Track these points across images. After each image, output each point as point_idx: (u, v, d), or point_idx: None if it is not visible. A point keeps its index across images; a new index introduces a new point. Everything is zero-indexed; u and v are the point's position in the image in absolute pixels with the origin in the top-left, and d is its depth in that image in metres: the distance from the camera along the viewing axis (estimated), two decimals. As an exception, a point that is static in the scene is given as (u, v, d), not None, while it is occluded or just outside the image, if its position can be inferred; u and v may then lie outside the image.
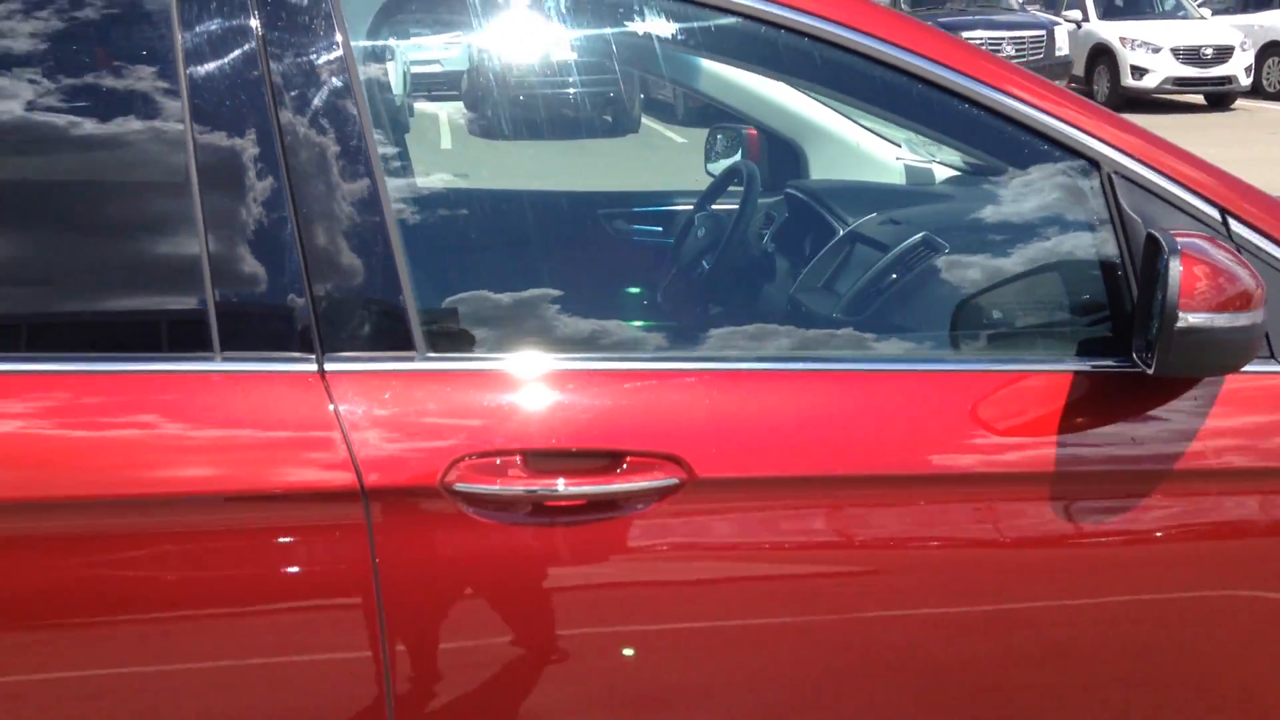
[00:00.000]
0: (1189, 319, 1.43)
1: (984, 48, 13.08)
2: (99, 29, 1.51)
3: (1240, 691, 1.71)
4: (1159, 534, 1.62)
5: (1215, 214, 1.65)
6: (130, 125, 1.51)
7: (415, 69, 6.83)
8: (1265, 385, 1.62)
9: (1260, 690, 1.71)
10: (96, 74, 1.52)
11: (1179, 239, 1.48)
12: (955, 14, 14.27)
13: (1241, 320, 1.44)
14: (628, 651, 1.52)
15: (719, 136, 3.16)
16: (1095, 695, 1.67)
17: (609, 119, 8.05)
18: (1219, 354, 1.47)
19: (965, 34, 13.56)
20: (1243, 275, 1.47)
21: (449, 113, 7.38)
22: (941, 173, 2.83)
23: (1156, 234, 1.51)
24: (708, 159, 3.17)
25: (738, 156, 3.05)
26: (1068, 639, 1.64)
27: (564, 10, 1.79)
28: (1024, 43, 13.70)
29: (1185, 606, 1.66)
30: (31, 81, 1.49)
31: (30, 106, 1.48)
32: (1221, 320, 1.44)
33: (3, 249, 1.52)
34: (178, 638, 1.44)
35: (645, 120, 8.34)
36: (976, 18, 14.02)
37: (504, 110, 6.32)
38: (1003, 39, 13.57)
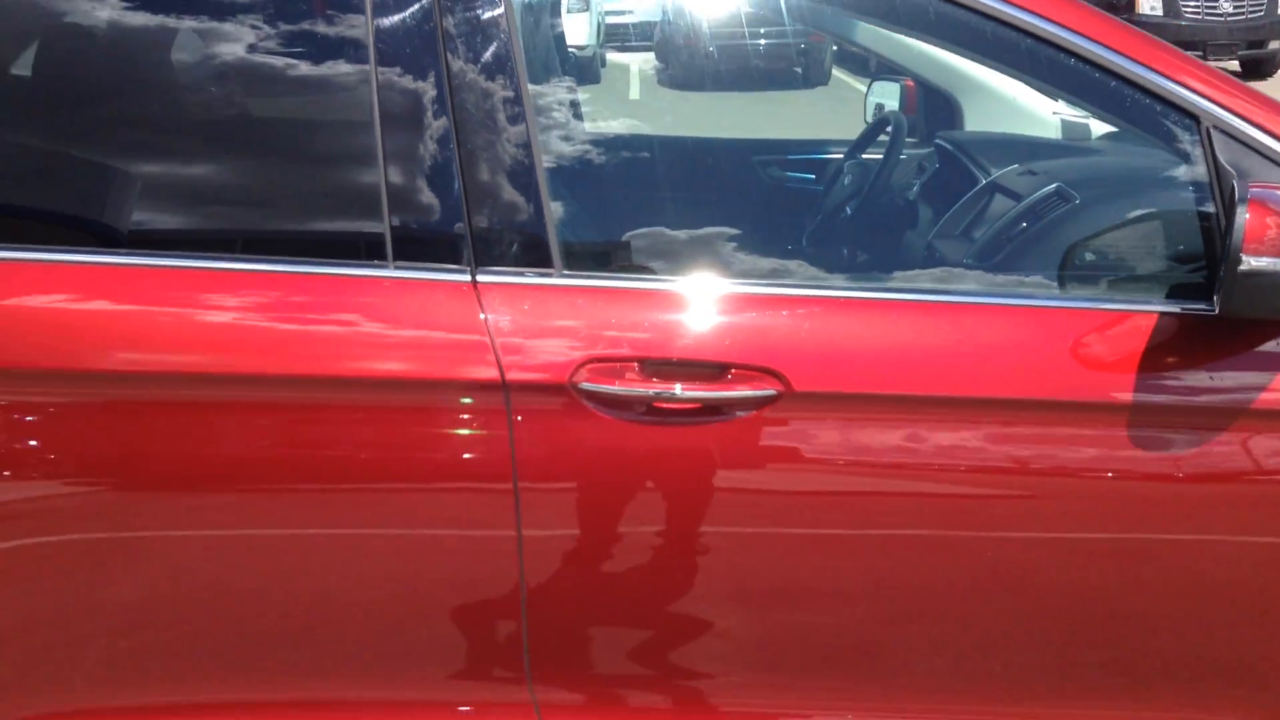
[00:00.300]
0: (1251, 262, 1.53)
1: (1198, 5, 12.46)
2: None
3: None
4: (1226, 471, 1.71)
5: (1315, 170, 1.72)
6: (327, 70, 1.78)
7: (609, 19, 7.07)
8: None
9: None
10: (307, 22, 1.79)
11: (1253, 189, 1.57)
12: (1174, -32, 13.64)
13: None
14: None
15: (878, 87, 3.29)
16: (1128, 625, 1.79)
17: (799, 71, 8.12)
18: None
19: (1181, -12, 12.99)
20: None
21: (640, 64, 7.57)
22: (1099, 127, 2.89)
23: (1235, 184, 1.60)
24: (866, 110, 3.31)
25: (894, 106, 3.17)
26: (1136, 567, 1.76)
27: None
28: (1243, 1, 13.01)
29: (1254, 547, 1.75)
30: (253, 27, 1.78)
31: (251, 50, 1.77)
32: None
33: (225, 170, 1.83)
34: (353, 503, 1.72)
35: (836, 73, 8.37)
36: (1194, -27, 13.39)
37: (692, 62, 6.51)
38: (1219, -5, 12.92)
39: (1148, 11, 13.08)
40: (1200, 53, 13.11)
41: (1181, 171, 1.81)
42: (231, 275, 1.70)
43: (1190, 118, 1.74)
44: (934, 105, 3.09)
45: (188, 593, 1.76)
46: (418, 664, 1.80)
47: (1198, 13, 13.08)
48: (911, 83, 3.18)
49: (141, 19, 1.80)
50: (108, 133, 1.84)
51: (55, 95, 1.86)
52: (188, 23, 1.81)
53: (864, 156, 2.88)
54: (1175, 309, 1.71)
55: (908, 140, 2.98)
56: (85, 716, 1.80)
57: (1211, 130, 1.73)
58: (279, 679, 1.81)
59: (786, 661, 1.82)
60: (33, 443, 1.69)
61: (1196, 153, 1.75)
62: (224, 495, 1.72)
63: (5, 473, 1.68)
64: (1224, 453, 1.71)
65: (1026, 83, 2.06)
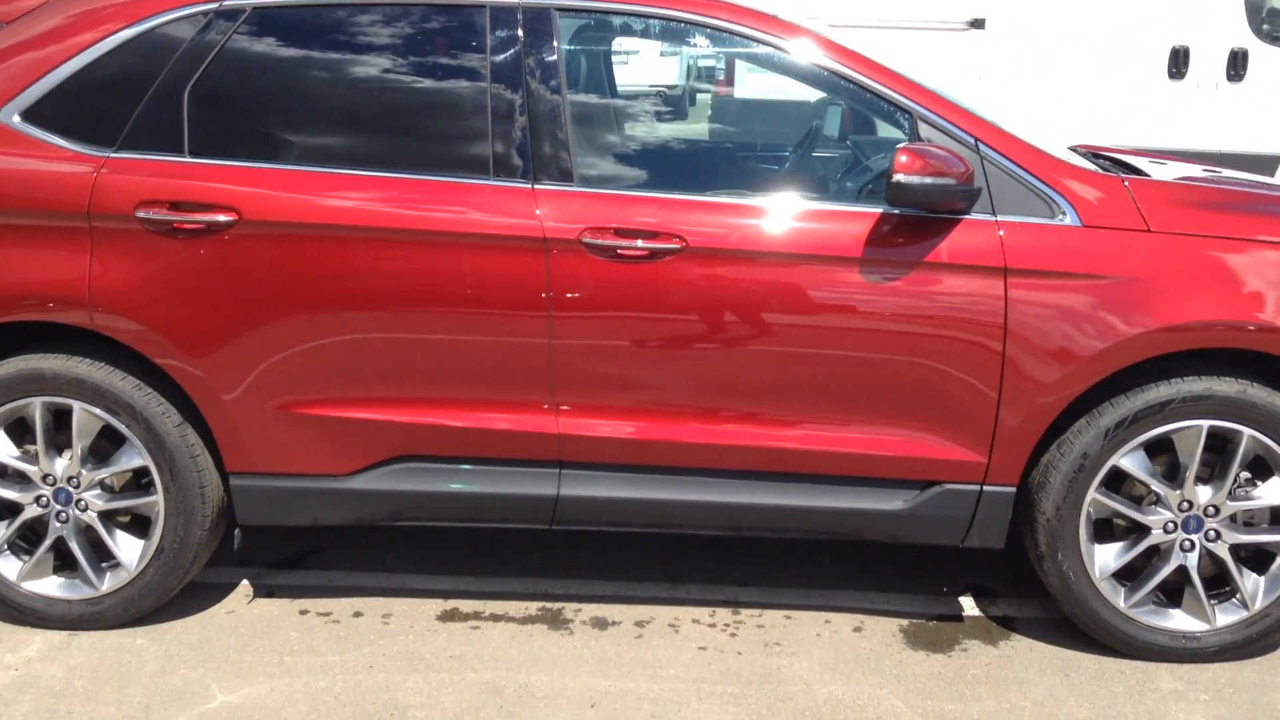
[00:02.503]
0: (897, 178, 3.12)
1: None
2: (450, 33, 3.49)
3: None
4: (905, 293, 3.28)
5: (971, 140, 3.31)
6: (464, 84, 3.47)
7: (701, 61, 8.89)
8: (977, 223, 3.25)
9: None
10: (456, 57, 3.50)
11: (905, 145, 3.16)
12: None
13: (928, 181, 3.10)
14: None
15: (830, 111, 4.91)
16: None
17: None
18: (920, 196, 3.14)
19: None
20: (944, 164, 3.11)
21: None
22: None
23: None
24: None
25: (833, 122, 4.80)
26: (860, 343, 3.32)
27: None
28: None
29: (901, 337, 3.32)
30: (417, 57, 3.48)
31: (407, 72, 3.47)
32: (916, 180, 3.10)
33: (407, 136, 3.52)
34: (444, 314, 3.36)
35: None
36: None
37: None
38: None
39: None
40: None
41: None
42: (417, 182, 3.39)
43: (908, 114, 3.34)
44: (858, 121, 4.70)
45: (372, 338, 3.40)
46: (488, 381, 3.40)
47: None
48: (848, 109, 4.79)
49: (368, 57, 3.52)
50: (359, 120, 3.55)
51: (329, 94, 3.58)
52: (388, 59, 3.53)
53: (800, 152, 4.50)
54: (893, 211, 3.29)
55: (838, 140, 4.61)
56: (308, 404, 3.46)
57: (918, 121, 3.32)
58: (409, 387, 3.45)
59: (693, 382, 3.40)
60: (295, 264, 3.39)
61: (910, 132, 3.35)
62: (399, 290, 3.39)
63: (289, 273, 3.38)
64: (902, 285, 3.27)
65: (846, 104, 3.62)
